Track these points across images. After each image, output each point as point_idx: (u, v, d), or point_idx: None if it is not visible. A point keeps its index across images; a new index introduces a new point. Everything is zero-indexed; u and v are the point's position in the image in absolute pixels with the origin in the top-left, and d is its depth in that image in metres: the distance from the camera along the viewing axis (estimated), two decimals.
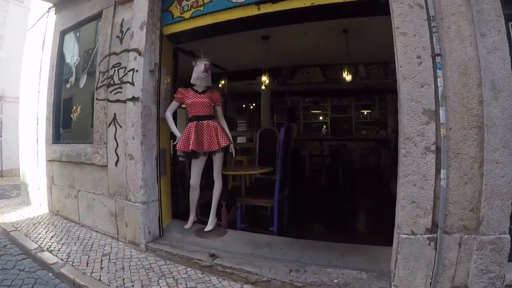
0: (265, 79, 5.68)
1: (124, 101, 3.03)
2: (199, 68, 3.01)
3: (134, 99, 2.94)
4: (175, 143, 3.08)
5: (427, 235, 1.90)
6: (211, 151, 2.97)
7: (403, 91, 1.94)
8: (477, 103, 1.85)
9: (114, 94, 3.16)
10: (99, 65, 3.36)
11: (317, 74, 6.70)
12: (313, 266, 2.35)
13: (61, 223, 3.67)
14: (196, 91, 3.10)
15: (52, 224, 3.64)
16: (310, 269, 2.30)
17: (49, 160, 4.05)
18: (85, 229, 3.45)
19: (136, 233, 2.92)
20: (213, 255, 2.58)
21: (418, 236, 1.91)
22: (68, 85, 4.03)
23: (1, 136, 8.10)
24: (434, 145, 1.88)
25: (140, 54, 2.94)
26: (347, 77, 5.21)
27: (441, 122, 1.87)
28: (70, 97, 4.04)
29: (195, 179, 3.10)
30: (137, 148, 2.91)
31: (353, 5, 2.31)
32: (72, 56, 4.01)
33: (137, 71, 2.95)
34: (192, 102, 3.03)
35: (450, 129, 1.88)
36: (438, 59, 1.88)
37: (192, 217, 3.28)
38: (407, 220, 1.93)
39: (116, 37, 3.19)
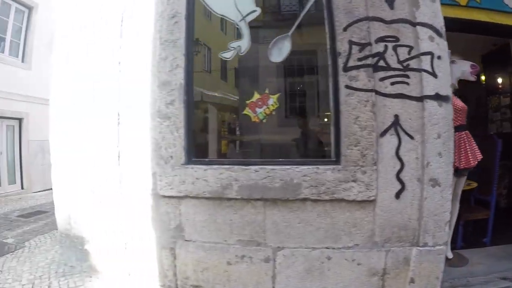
0: None
1: (419, 98, 2.08)
2: (462, 68, 2.50)
3: (439, 97, 2.05)
4: None
5: None
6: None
7: None
8: None
9: (392, 84, 2.10)
10: (345, 30, 2.12)
11: None
12: None
13: None
14: (454, 94, 2.56)
15: None
16: None
17: (171, 197, 2.17)
18: None
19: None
20: (504, 278, 2.30)
21: None
22: (228, 55, 2.34)
23: None
24: None
25: (440, 35, 2.11)
26: None
27: None
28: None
29: None
30: (445, 169, 2.04)
31: None
32: (234, 3, 2.33)
33: (439, 57, 2.08)
34: (463, 107, 2.48)
35: None
36: None
37: None
38: None
39: None
